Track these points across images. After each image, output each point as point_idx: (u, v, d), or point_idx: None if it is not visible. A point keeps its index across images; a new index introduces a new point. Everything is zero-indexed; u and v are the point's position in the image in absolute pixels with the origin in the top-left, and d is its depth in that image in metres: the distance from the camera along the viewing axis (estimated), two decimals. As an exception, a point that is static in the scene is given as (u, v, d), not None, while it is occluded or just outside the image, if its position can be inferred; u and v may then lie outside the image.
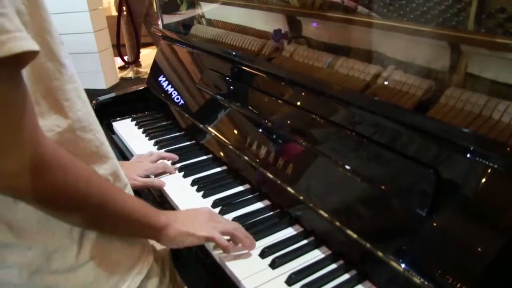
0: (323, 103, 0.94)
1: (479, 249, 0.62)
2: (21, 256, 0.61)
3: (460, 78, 0.72)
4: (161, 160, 1.14)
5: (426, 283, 0.62)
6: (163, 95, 1.51)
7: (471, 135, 0.67)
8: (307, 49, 1.02)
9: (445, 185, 0.67)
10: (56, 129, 0.59)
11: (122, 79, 4.64)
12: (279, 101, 1.05)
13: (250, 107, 1.13)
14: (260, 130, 1.06)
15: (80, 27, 3.98)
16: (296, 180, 0.90)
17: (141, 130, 1.42)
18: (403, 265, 0.65)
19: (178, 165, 1.15)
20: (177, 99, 1.44)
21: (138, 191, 1.12)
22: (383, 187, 0.75)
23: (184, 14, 1.65)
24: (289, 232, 0.87)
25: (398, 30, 0.82)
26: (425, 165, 0.70)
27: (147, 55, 4.94)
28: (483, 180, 0.64)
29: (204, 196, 1.01)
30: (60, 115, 0.60)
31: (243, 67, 1.22)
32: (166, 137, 1.35)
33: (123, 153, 1.33)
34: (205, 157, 1.20)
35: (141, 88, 1.65)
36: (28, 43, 0.46)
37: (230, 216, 0.92)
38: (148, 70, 2.05)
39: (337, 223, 0.78)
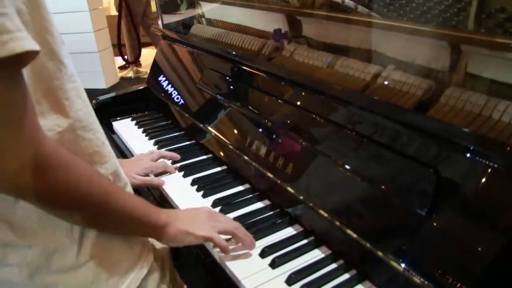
0: (323, 102, 0.94)
1: (479, 249, 0.62)
2: (21, 255, 0.61)
3: (460, 78, 0.72)
4: (161, 159, 1.14)
5: (426, 283, 0.62)
6: (163, 94, 1.51)
7: (471, 135, 0.67)
8: (307, 49, 1.02)
9: (445, 184, 0.67)
10: (56, 128, 0.59)
11: (122, 78, 4.65)
12: (279, 100, 1.06)
13: (250, 107, 1.13)
14: (260, 130, 1.06)
15: (80, 27, 3.99)
16: (296, 180, 0.90)
17: (141, 129, 1.42)
18: (403, 265, 0.65)
19: (178, 164, 1.15)
20: (177, 98, 1.44)
21: (138, 190, 1.12)
22: (383, 186, 0.75)
23: (184, 13, 1.65)
24: (289, 231, 0.87)
25: (398, 30, 0.82)
26: (425, 165, 0.70)
27: (147, 55, 4.94)
28: (483, 180, 0.64)
29: (204, 196, 1.01)
30: (61, 114, 0.60)
31: (243, 67, 1.22)
32: (166, 136, 1.35)
33: (123, 153, 1.33)
34: (205, 156, 1.20)
35: (141, 88, 1.65)
36: (28, 43, 0.46)
37: (230, 216, 0.92)
38: (148, 69, 2.05)
39: (337, 223, 0.78)
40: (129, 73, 4.77)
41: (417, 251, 0.67)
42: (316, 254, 0.80)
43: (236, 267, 0.77)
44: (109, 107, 1.55)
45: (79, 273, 0.64)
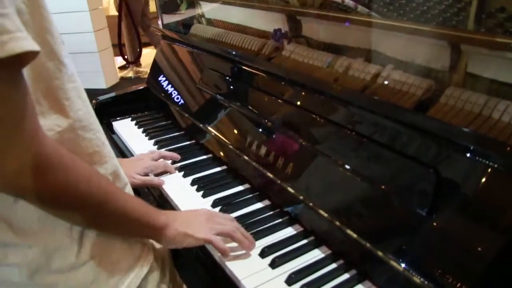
0: (323, 102, 0.94)
1: (479, 249, 0.62)
2: (21, 255, 0.61)
3: (460, 78, 0.72)
4: (161, 159, 1.14)
5: (426, 282, 0.62)
6: (163, 94, 1.51)
7: (471, 135, 0.67)
8: (307, 49, 1.02)
9: (445, 184, 0.67)
10: (56, 128, 0.59)
11: (122, 78, 4.65)
12: (279, 100, 1.06)
13: (250, 107, 1.13)
14: (260, 130, 1.06)
15: (80, 27, 3.99)
16: (296, 180, 0.90)
17: (141, 129, 1.42)
18: (403, 265, 0.65)
19: (178, 164, 1.15)
20: (177, 98, 1.44)
21: (138, 190, 1.12)
22: (383, 186, 0.75)
23: (184, 13, 1.65)
24: (289, 231, 0.87)
25: (398, 30, 0.82)
26: (425, 165, 0.70)
27: (147, 55, 4.94)
28: (483, 179, 0.64)
29: (204, 196, 1.01)
30: (61, 114, 0.60)
31: (243, 67, 1.22)
32: (166, 136, 1.35)
33: (123, 153, 1.33)
34: (205, 156, 1.20)
35: (141, 87, 1.65)
36: (28, 43, 0.46)
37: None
38: (148, 69, 2.05)
39: (337, 223, 0.78)
40: (129, 73, 4.78)
41: (417, 251, 0.67)
42: (316, 254, 0.80)
43: (236, 267, 0.77)
44: (109, 107, 1.55)
45: (79, 273, 0.64)
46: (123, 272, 0.68)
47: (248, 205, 0.96)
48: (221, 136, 1.17)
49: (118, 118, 1.54)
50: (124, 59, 4.69)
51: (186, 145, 1.29)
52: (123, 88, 1.68)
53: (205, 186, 1.04)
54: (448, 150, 0.69)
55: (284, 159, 0.94)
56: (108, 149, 0.70)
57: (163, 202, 1.04)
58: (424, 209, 0.67)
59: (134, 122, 1.49)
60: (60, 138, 0.60)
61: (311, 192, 0.86)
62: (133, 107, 1.59)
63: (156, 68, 1.63)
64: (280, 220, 0.90)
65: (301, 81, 1.01)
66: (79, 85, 0.65)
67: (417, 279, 0.63)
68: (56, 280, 0.63)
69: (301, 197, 0.87)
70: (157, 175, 1.10)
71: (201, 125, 1.26)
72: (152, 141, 1.32)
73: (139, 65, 4.84)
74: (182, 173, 1.11)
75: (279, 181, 0.93)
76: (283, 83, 1.07)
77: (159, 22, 1.72)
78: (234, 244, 0.80)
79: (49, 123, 0.59)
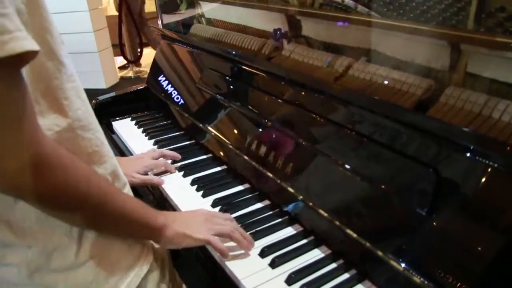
0: (323, 102, 0.94)
1: (479, 249, 0.62)
2: (20, 254, 0.61)
3: (460, 77, 0.72)
4: (162, 158, 1.14)
5: (426, 282, 0.62)
6: (163, 94, 1.51)
7: (471, 134, 0.67)
8: (306, 48, 1.02)
9: (445, 184, 0.67)
10: (55, 128, 0.59)
11: (122, 78, 4.65)
12: (278, 100, 1.05)
13: (250, 107, 1.13)
14: (260, 130, 1.06)
15: (80, 27, 3.99)
16: (295, 179, 0.90)
17: (141, 129, 1.42)
18: (403, 265, 0.65)
19: (178, 164, 1.15)
20: (177, 98, 1.44)
21: (138, 191, 1.12)
22: (383, 186, 0.75)
23: (183, 13, 1.65)
24: (288, 231, 0.87)
25: (398, 29, 0.82)
26: (425, 165, 0.70)
27: (147, 55, 4.94)
28: (483, 179, 0.64)
29: (203, 196, 1.01)
30: (60, 114, 0.60)
31: (243, 67, 1.22)
32: (165, 136, 1.35)
33: (123, 153, 1.33)
34: (204, 156, 1.20)
35: (141, 87, 1.65)
36: (28, 43, 0.46)
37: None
38: (147, 69, 2.05)
39: (337, 223, 0.78)
40: (129, 73, 4.78)
41: (417, 250, 0.67)
42: (316, 254, 0.80)
43: (235, 267, 0.77)
44: (109, 107, 1.55)
45: (78, 273, 0.64)
46: (123, 271, 0.68)
47: (248, 205, 0.96)
48: (221, 136, 1.17)
49: (118, 118, 1.54)
50: (125, 58, 4.69)
51: (186, 145, 1.29)
52: (123, 88, 1.68)
53: (205, 186, 1.04)
54: (448, 150, 0.69)
55: (284, 158, 0.94)
56: (107, 149, 0.70)
57: (163, 201, 1.04)
58: (424, 209, 0.67)
59: (134, 122, 1.49)
60: (59, 137, 0.60)
61: (311, 191, 0.86)
62: (133, 107, 1.59)
63: (156, 68, 1.63)
64: (280, 220, 0.90)
65: (301, 81, 1.01)
66: (78, 85, 0.65)
67: (417, 279, 0.63)
68: (56, 279, 0.63)
69: (301, 197, 0.87)
70: (157, 175, 1.10)
71: (201, 125, 1.26)
72: (152, 141, 1.32)
73: (139, 65, 4.84)
74: (182, 173, 1.11)
75: (279, 181, 0.93)
76: (282, 82, 1.07)
77: (159, 22, 1.72)
78: (234, 244, 0.80)
79: (48, 123, 0.58)
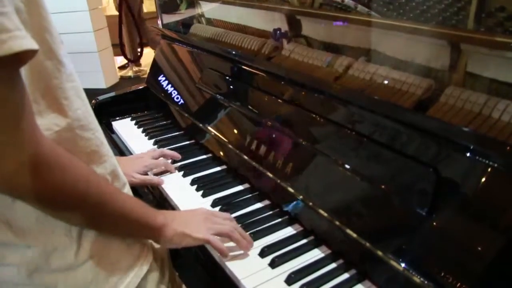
0: (323, 102, 0.94)
1: (479, 249, 0.61)
2: (20, 255, 0.61)
3: (460, 77, 0.72)
4: (162, 158, 1.14)
5: (426, 282, 0.62)
6: (162, 94, 1.51)
7: (471, 134, 0.67)
8: (306, 48, 1.02)
9: (445, 184, 0.67)
10: (54, 127, 0.59)
11: (121, 78, 4.65)
12: (278, 100, 1.05)
13: (249, 106, 1.13)
14: (260, 129, 1.06)
15: (79, 27, 3.99)
16: (295, 179, 0.90)
17: (141, 129, 1.42)
18: (403, 265, 0.65)
19: (178, 164, 1.15)
20: (177, 98, 1.44)
21: (138, 191, 1.12)
22: (382, 186, 0.75)
23: (183, 13, 1.65)
24: (288, 231, 0.86)
25: (398, 29, 0.82)
26: (425, 164, 0.70)
27: (147, 55, 4.94)
28: (483, 179, 0.64)
29: (203, 196, 1.01)
30: (59, 113, 0.60)
31: (243, 66, 1.22)
32: (165, 136, 1.35)
33: (122, 153, 1.33)
34: (204, 156, 1.20)
35: (141, 87, 1.65)
36: (27, 42, 0.46)
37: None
38: (147, 69, 2.05)
39: (337, 223, 0.77)
40: (129, 72, 4.78)
41: (417, 250, 0.67)
42: (315, 254, 0.80)
43: (235, 267, 0.77)
44: (108, 107, 1.55)
45: (78, 273, 0.64)
46: (122, 271, 0.68)
47: (248, 205, 0.96)
48: (220, 136, 1.17)
49: (117, 118, 1.54)
50: (125, 57, 4.69)
51: (185, 144, 1.29)
52: (123, 88, 1.68)
53: (204, 186, 1.04)
54: (448, 150, 0.69)
55: (283, 158, 0.94)
56: (106, 149, 0.70)
57: (162, 201, 1.04)
58: (424, 209, 0.67)
59: (134, 121, 1.49)
60: (58, 137, 0.60)
61: (311, 191, 0.86)
62: (133, 106, 1.59)
63: (155, 68, 1.63)
64: (279, 219, 0.90)
65: (301, 81, 1.01)
66: (78, 85, 0.65)
67: (417, 279, 0.63)
68: (55, 279, 0.63)
69: (301, 197, 0.87)
70: (156, 174, 1.10)
71: (200, 125, 1.25)
72: (152, 140, 1.32)
73: (138, 64, 4.84)
74: (181, 172, 1.11)
75: (278, 181, 0.93)
76: (282, 82, 1.07)
77: (159, 22, 1.72)
78: (234, 244, 0.80)
79: (47, 122, 0.58)
